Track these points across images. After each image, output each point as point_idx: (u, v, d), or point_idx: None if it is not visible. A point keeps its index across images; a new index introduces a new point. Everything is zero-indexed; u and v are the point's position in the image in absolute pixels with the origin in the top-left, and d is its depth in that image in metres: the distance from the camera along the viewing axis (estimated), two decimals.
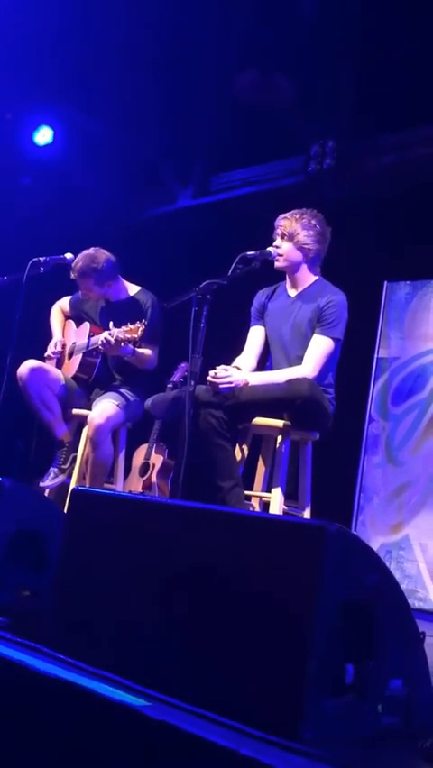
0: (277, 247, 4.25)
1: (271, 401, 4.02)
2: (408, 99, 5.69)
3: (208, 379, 3.98)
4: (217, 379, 3.98)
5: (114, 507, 2.19)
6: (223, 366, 4.06)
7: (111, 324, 4.57)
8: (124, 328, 4.47)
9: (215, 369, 4.02)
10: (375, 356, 5.86)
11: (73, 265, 4.80)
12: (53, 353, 5.04)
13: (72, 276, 4.82)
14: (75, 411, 4.85)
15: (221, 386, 3.97)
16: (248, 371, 4.24)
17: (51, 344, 5.09)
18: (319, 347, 4.14)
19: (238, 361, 4.34)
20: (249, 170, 7.00)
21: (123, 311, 4.82)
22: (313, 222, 4.25)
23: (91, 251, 4.83)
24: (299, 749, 1.52)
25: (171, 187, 7.46)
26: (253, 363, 4.38)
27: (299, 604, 1.68)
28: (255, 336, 4.44)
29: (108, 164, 7.37)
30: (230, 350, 4.45)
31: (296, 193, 6.34)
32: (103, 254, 4.81)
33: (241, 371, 4.12)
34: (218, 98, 6.87)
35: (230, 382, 3.98)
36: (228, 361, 4.21)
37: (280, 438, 4.13)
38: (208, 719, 1.66)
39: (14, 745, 1.96)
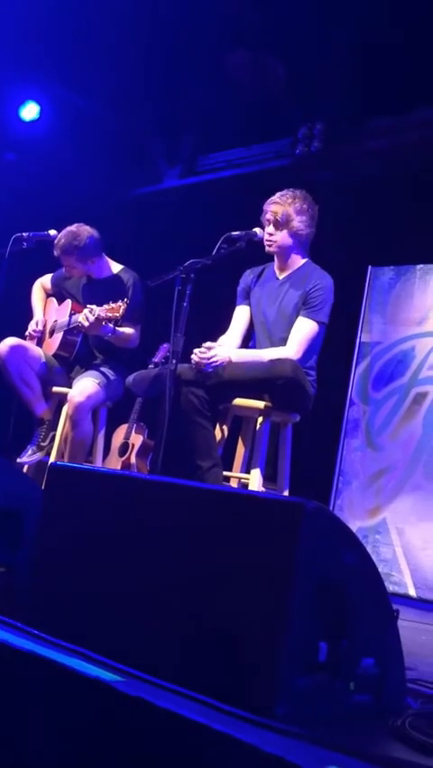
0: (270, 234, 4.23)
1: (253, 381, 4.03)
2: (398, 83, 5.67)
3: (193, 357, 3.97)
4: (202, 357, 3.96)
5: (91, 483, 2.18)
6: (207, 343, 4.05)
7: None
8: (105, 307, 4.45)
9: (199, 347, 4.01)
10: (357, 340, 5.86)
11: (56, 242, 4.78)
12: (34, 332, 5.03)
13: (55, 253, 4.80)
14: (55, 389, 4.85)
15: (206, 364, 3.96)
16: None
17: (32, 323, 5.08)
18: (304, 330, 4.14)
19: (222, 339, 4.34)
20: (236, 152, 6.98)
21: (105, 289, 4.81)
22: (305, 206, 4.22)
23: (74, 227, 4.80)
24: (271, 725, 1.53)
25: (158, 167, 7.43)
26: (238, 342, 4.38)
27: (275, 581, 1.69)
28: (241, 316, 4.44)
29: (95, 141, 7.32)
30: (213, 329, 4.44)
31: (283, 175, 6.31)
32: (85, 231, 4.78)
33: (224, 348, 4.11)
34: (208, 78, 6.84)
35: (215, 361, 3.97)
36: (212, 340, 4.20)
37: (260, 419, 4.14)
38: (182, 695, 1.67)
39: None
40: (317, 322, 4.16)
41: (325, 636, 1.72)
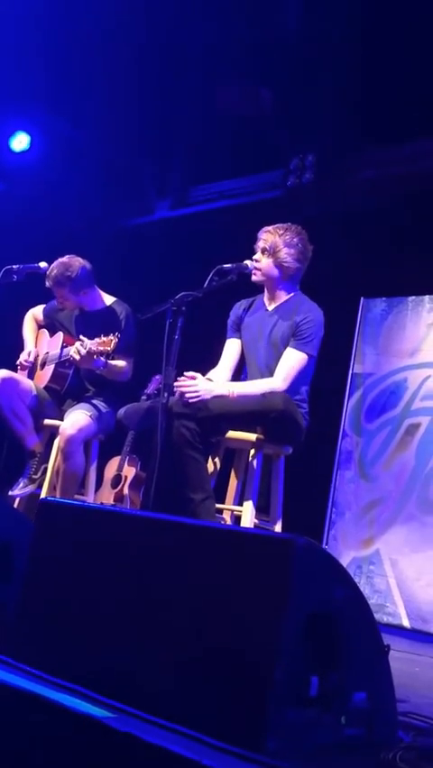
0: (256, 261, 4.27)
1: (244, 414, 4.05)
2: (391, 115, 5.76)
3: (175, 386, 3.97)
4: (182, 386, 3.97)
5: (82, 518, 2.20)
6: (189, 373, 4.06)
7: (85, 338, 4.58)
8: (96, 340, 4.46)
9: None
10: (350, 371, 5.91)
11: (48, 273, 4.81)
12: (26, 361, 5.05)
13: (47, 284, 4.83)
14: (47, 422, 4.86)
15: (187, 395, 3.97)
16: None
17: (24, 353, 5.11)
18: (291, 361, 4.16)
19: (212, 373, 4.36)
20: (228, 183, 7.05)
21: (97, 321, 4.84)
22: (295, 240, 4.25)
23: (65, 258, 4.84)
24: (261, 760, 1.55)
25: (150, 197, 7.50)
26: (228, 375, 4.40)
27: (267, 616, 1.71)
28: (231, 349, 4.47)
29: (86, 172, 7.40)
30: (204, 362, 4.47)
31: (275, 207, 6.39)
32: (77, 262, 4.82)
33: (209, 382, 4.13)
34: (199, 109, 6.93)
35: (196, 392, 3.98)
36: (202, 374, 4.22)
37: (252, 452, 4.16)
38: (172, 731, 1.69)
39: None
40: (306, 354, 4.18)
41: (316, 670, 1.74)
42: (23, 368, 5.05)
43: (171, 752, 1.55)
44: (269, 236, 4.26)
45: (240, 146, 6.72)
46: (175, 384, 3.95)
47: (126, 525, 2.10)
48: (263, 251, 4.25)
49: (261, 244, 4.28)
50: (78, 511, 2.25)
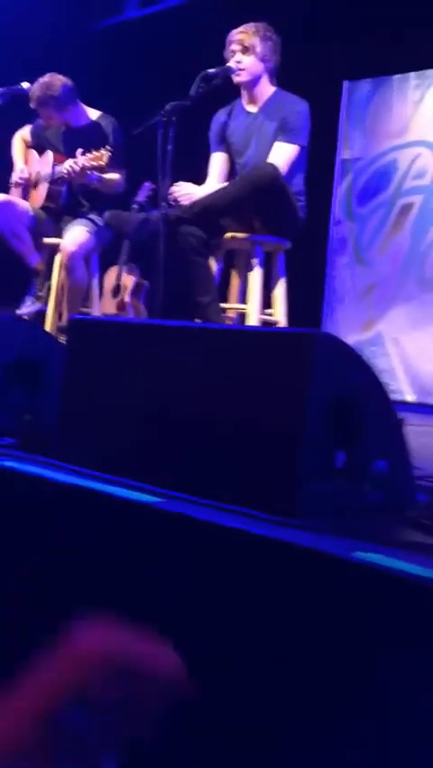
0: (239, 62, 4.30)
1: (241, 200, 4.16)
2: None
3: (169, 196, 4.13)
4: (174, 193, 4.15)
5: (111, 332, 2.40)
6: (178, 183, 4.21)
7: (79, 151, 4.65)
8: (88, 155, 4.57)
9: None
10: (338, 158, 5.96)
11: (30, 94, 4.87)
12: (20, 178, 5.13)
13: (31, 105, 4.90)
14: (46, 240, 5.01)
15: (180, 201, 4.14)
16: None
17: (16, 171, 5.18)
18: (283, 152, 4.25)
19: (203, 189, 4.46)
20: None
21: (85, 137, 4.91)
22: (269, 33, 4.32)
23: (47, 78, 4.88)
24: (300, 524, 1.80)
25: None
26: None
27: (294, 402, 1.93)
28: (217, 163, 4.57)
29: None
30: (198, 171, 4.56)
31: None
32: (59, 80, 4.86)
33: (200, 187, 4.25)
34: None
35: (188, 194, 4.16)
36: (198, 182, 4.34)
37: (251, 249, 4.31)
38: (217, 508, 1.93)
39: (40, 555, 2.21)
40: (298, 144, 4.28)
41: (341, 446, 1.98)
42: (17, 186, 5.14)
43: (222, 525, 1.80)
44: (244, 36, 4.30)
45: None
46: (169, 195, 4.10)
47: (154, 335, 2.29)
48: (244, 50, 4.29)
49: (235, 46, 4.31)
50: (106, 326, 2.45)
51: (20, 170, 5.18)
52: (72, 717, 0.53)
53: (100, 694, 0.54)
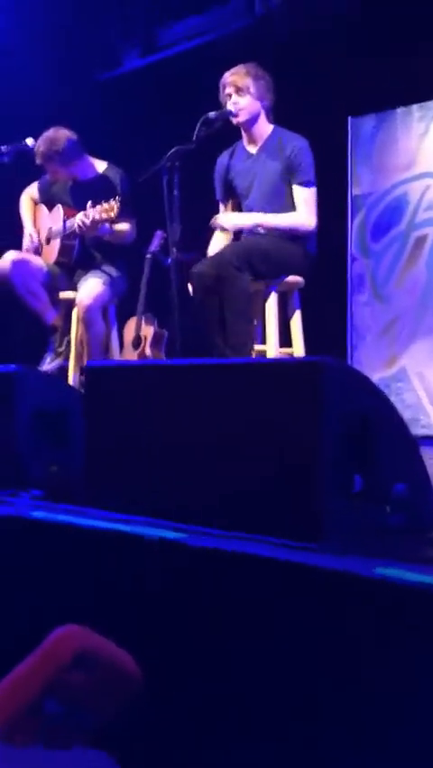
0: (235, 103, 4.46)
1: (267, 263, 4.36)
2: None
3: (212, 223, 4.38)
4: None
5: (127, 375, 2.50)
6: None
7: (89, 204, 4.78)
8: (99, 208, 4.68)
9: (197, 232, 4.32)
10: (349, 195, 6.06)
11: (35, 150, 4.99)
12: (31, 245, 5.26)
13: (37, 161, 5.02)
14: (62, 295, 5.13)
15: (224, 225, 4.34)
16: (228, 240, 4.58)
17: (26, 238, 5.31)
18: (305, 196, 4.45)
19: (215, 241, 4.67)
20: (194, 20, 6.98)
21: (93, 189, 5.04)
22: (260, 72, 4.50)
23: (50, 132, 5.00)
24: (323, 548, 1.88)
25: (117, 48, 7.48)
26: (231, 235, 4.68)
27: (306, 432, 2.01)
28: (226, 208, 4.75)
29: (52, 35, 7.35)
30: (206, 214, 4.68)
31: (247, 36, 6.38)
32: (63, 134, 4.99)
33: (238, 214, 4.45)
34: None
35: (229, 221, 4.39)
36: (207, 225, 4.49)
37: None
38: (242, 539, 2.01)
39: (73, 596, 2.30)
40: (313, 184, 4.44)
41: (357, 469, 2.06)
42: (29, 252, 5.26)
43: (247, 554, 1.88)
44: (236, 77, 4.47)
45: None
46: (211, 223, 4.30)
47: (168, 375, 2.39)
48: (238, 91, 4.44)
49: (230, 90, 4.47)
50: (123, 370, 2.55)
51: (29, 234, 5.32)
52: (49, 705, 0.66)
53: (71, 685, 0.67)
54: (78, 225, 4.79)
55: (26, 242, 5.30)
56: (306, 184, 4.42)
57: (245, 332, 4.23)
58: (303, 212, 4.43)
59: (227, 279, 4.15)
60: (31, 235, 5.30)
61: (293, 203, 4.46)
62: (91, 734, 0.67)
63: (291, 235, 4.42)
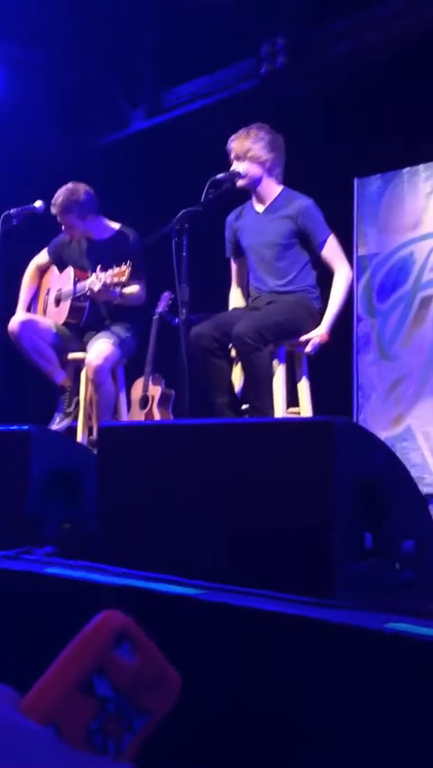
0: (233, 170, 4.62)
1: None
2: None
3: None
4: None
5: (140, 435, 2.62)
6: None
7: (98, 268, 4.89)
8: (110, 272, 4.79)
9: (205, 294, 4.46)
10: (355, 255, 6.19)
11: (54, 201, 5.11)
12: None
13: (53, 211, 5.13)
14: (71, 355, 5.23)
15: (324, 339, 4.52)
16: (242, 302, 4.78)
17: (18, 308, 5.43)
18: (335, 248, 4.64)
19: (232, 298, 4.80)
20: (200, 81, 7.17)
21: (107, 251, 5.15)
22: (260, 134, 4.62)
23: (70, 185, 5.15)
24: (333, 603, 1.98)
25: (123, 110, 7.66)
26: (244, 292, 4.86)
27: (318, 491, 2.12)
28: (236, 269, 4.89)
29: (55, 96, 7.53)
30: (214, 275, 4.82)
31: (252, 98, 6.56)
32: (82, 187, 5.14)
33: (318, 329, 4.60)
34: (159, 9, 7.05)
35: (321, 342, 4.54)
36: (215, 287, 4.61)
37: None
38: (256, 595, 2.11)
39: None
40: (330, 232, 4.62)
41: (368, 527, 2.17)
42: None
43: (259, 609, 1.98)
44: (236, 144, 4.62)
45: (207, 40, 6.85)
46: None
47: (179, 435, 2.50)
48: (237, 157, 4.59)
49: (232, 155, 4.62)
50: (134, 430, 2.67)
51: (20, 309, 5.44)
52: (99, 685, 0.65)
53: (117, 664, 0.66)
54: (89, 290, 4.91)
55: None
56: (325, 241, 4.58)
57: (270, 406, 4.36)
58: (341, 266, 4.62)
59: (246, 355, 4.32)
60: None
61: (299, 261, 4.60)
62: (139, 739, 0.66)
63: (307, 299, 4.59)
